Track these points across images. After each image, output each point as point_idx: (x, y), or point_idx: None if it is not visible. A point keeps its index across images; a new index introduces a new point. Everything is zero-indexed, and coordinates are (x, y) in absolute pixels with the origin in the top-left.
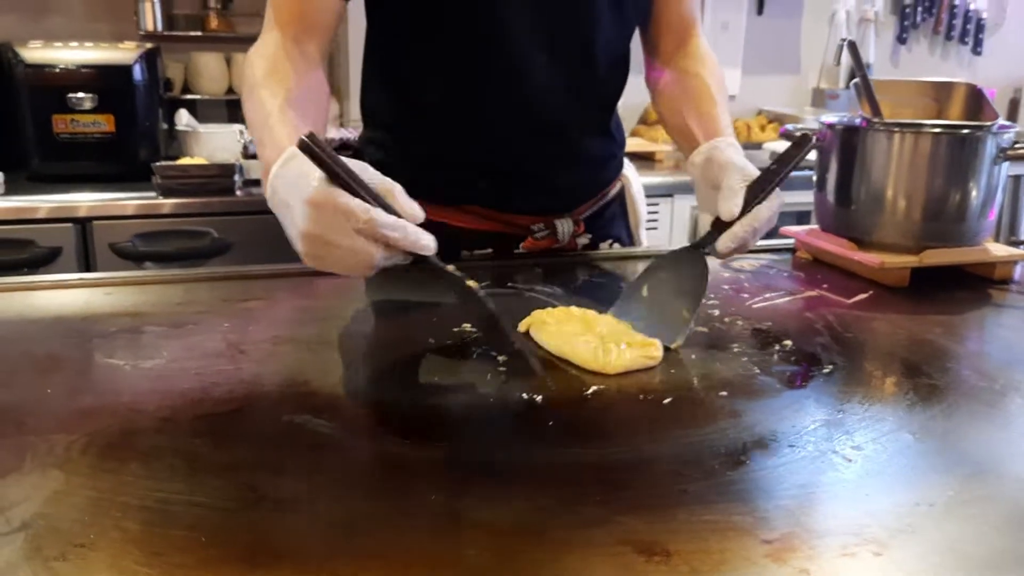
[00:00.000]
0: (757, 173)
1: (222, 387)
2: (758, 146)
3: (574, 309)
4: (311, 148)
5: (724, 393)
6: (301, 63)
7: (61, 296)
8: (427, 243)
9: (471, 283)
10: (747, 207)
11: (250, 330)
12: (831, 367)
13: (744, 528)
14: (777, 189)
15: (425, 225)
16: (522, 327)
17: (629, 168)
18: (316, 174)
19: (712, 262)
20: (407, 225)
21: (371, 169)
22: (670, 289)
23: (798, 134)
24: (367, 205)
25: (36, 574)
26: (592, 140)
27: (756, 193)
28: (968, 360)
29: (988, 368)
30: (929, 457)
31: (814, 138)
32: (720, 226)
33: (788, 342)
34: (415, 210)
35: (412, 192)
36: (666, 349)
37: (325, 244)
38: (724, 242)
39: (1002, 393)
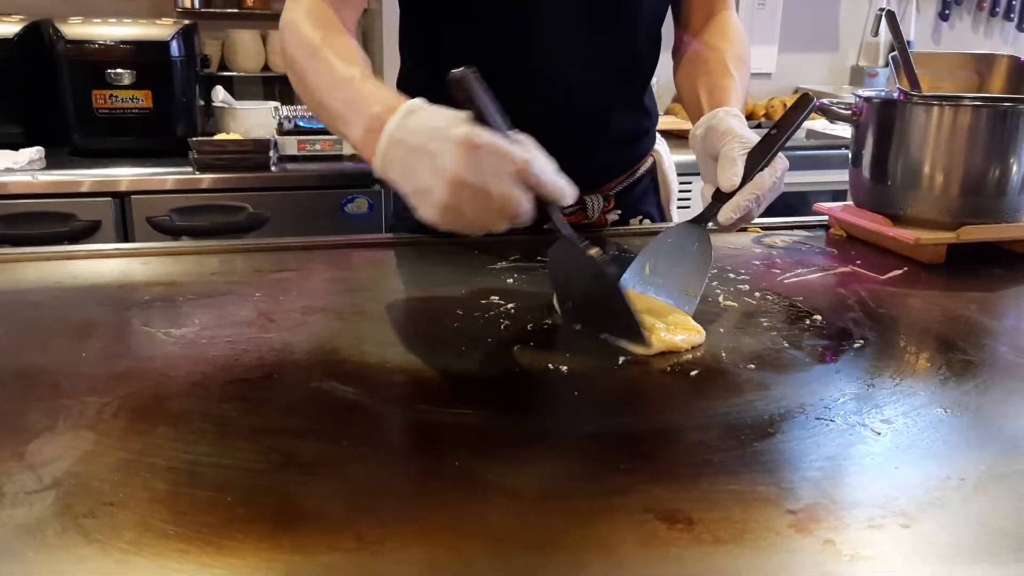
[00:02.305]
0: (755, 140)
1: (252, 354)
2: None
3: None
4: (471, 83)
5: (752, 366)
6: (345, 24)
7: (98, 265)
8: (572, 192)
9: (593, 251)
10: (748, 175)
11: (281, 300)
12: (862, 342)
13: (768, 498)
14: (780, 154)
15: None
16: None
17: (661, 143)
18: (462, 115)
19: (743, 237)
20: (554, 173)
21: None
22: (674, 266)
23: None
24: (522, 147)
25: (66, 530)
26: (626, 115)
27: (757, 161)
28: (1005, 336)
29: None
30: (961, 432)
31: (814, 99)
32: (721, 197)
33: (819, 317)
34: (550, 161)
35: None
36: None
37: (476, 191)
38: (726, 213)
39: None
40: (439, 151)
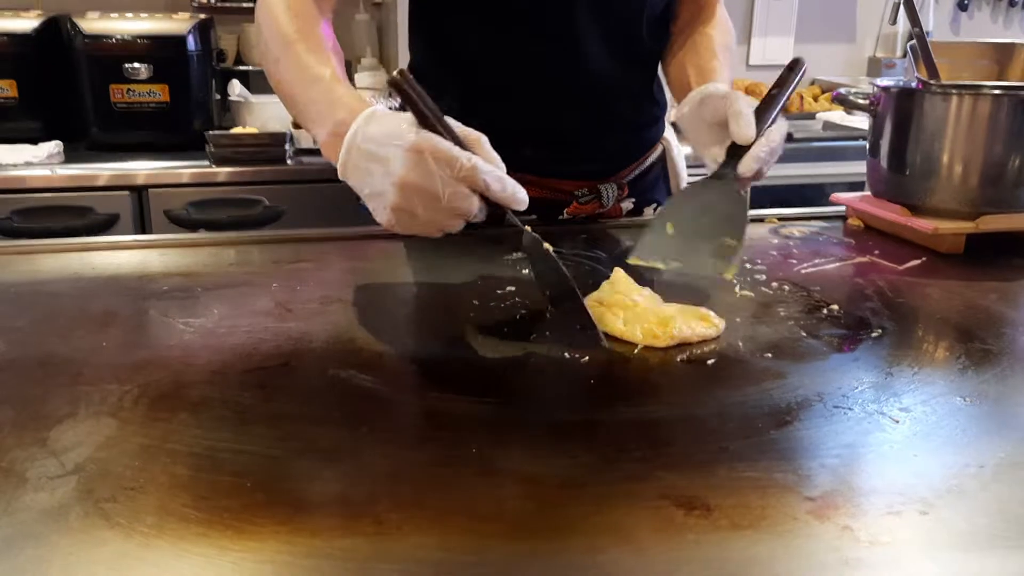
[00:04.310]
0: (756, 101)
1: (270, 343)
2: (811, 116)
3: (616, 279)
4: (404, 86)
5: (769, 355)
6: (321, 11)
7: (116, 257)
8: (523, 196)
9: (547, 246)
10: (759, 131)
11: (299, 290)
12: (880, 331)
13: (786, 485)
14: (781, 116)
15: None
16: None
17: (670, 132)
18: (411, 121)
19: (759, 228)
20: (504, 175)
21: (450, 118)
22: (704, 221)
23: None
24: (467, 152)
25: (87, 514)
26: (637, 104)
27: (763, 117)
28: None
29: None
30: (980, 420)
31: (805, 62)
32: (737, 151)
33: (836, 307)
34: (500, 163)
35: None
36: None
37: (423, 194)
38: (748, 163)
39: None
40: (389, 156)
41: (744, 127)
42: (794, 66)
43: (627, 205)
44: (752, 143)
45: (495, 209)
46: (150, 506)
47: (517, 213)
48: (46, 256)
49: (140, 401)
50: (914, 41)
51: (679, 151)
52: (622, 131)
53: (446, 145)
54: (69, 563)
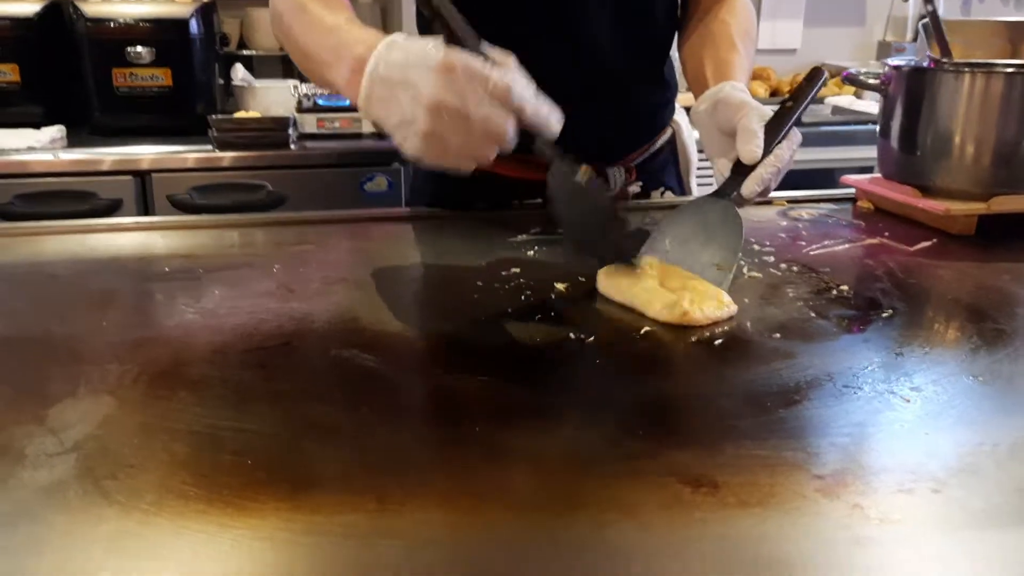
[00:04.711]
0: (770, 113)
1: (271, 323)
2: (820, 101)
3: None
4: (434, 1)
5: (778, 335)
6: None
7: (117, 239)
8: (557, 119)
9: (583, 171)
10: (767, 148)
11: (301, 271)
12: (891, 312)
13: (795, 463)
14: (794, 128)
15: (477, 175)
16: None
17: (681, 115)
18: (437, 41)
19: (768, 210)
20: (539, 99)
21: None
22: (699, 242)
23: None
24: (501, 69)
25: (87, 492)
26: (647, 88)
27: (774, 133)
28: None
29: None
30: (994, 399)
31: (825, 72)
32: (742, 170)
33: (846, 287)
34: (532, 85)
35: None
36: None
37: (455, 115)
38: (750, 186)
39: None
40: (417, 79)
41: (751, 148)
42: (813, 76)
43: (634, 189)
44: (757, 164)
45: (524, 138)
46: (149, 484)
47: (507, 200)
48: (47, 238)
49: (140, 380)
50: (927, 20)
51: (690, 135)
52: (632, 115)
53: (478, 62)
54: (67, 541)
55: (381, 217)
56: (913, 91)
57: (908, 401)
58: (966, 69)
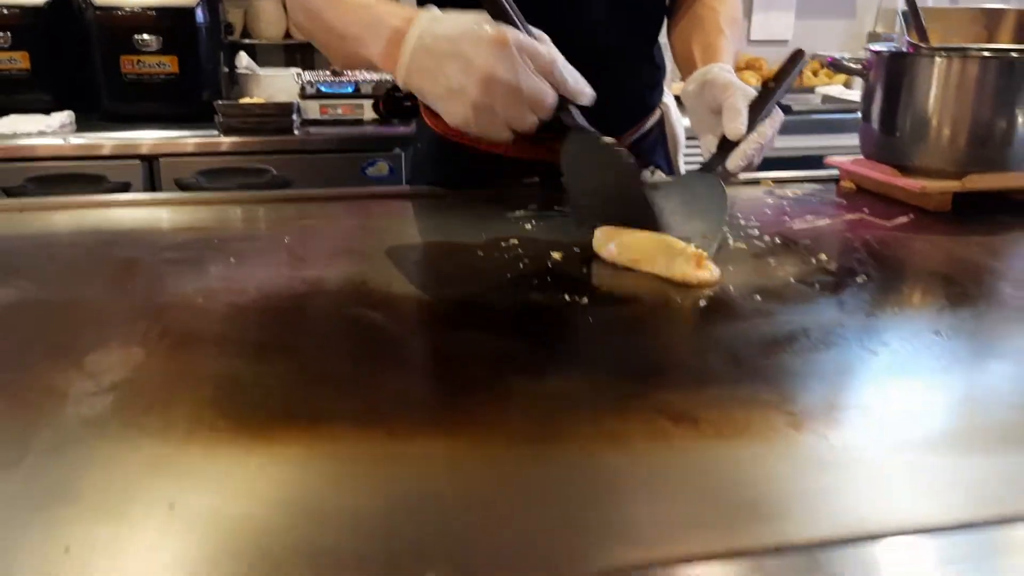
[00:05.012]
0: (755, 93)
1: (285, 287)
2: (811, 90)
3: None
4: None
5: (758, 297)
6: None
7: (132, 213)
8: (590, 91)
9: (608, 140)
10: (751, 125)
11: (310, 243)
12: (865, 278)
13: (769, 403)
14: (776, 107)
15: (477, 155)
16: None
17: (669, 97)
18: (486, 16)
19: (755, 190)
20: (574, 70)
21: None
22: (686, 212)
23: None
24: (546, 45)
25: (125, 425)
26: (638, 68)
27: (758, 111)
28: (1005, 275)
29: (1022, 280)
30: (954, 352)
31: (806, 54)
32: (727, 146)
33: (824, 256)
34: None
35: None
36: None
37: (507, 87)
38: (735, 161)
39: None
40: (469, 52)
41: (736, 125)
42: (795, 58)
43: None
44: (743, 139)
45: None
46: (180, 419)
47: (502, 179)
48: (66, 212)
49: (165, 336)
50: (906, 7)
51: (678, 117)
52: (625, 94)
53: (527, 38)
54: (109, 464)
55: (383, 195)
56: (892, 75)
57: (876, 353)
58: (942, 54)
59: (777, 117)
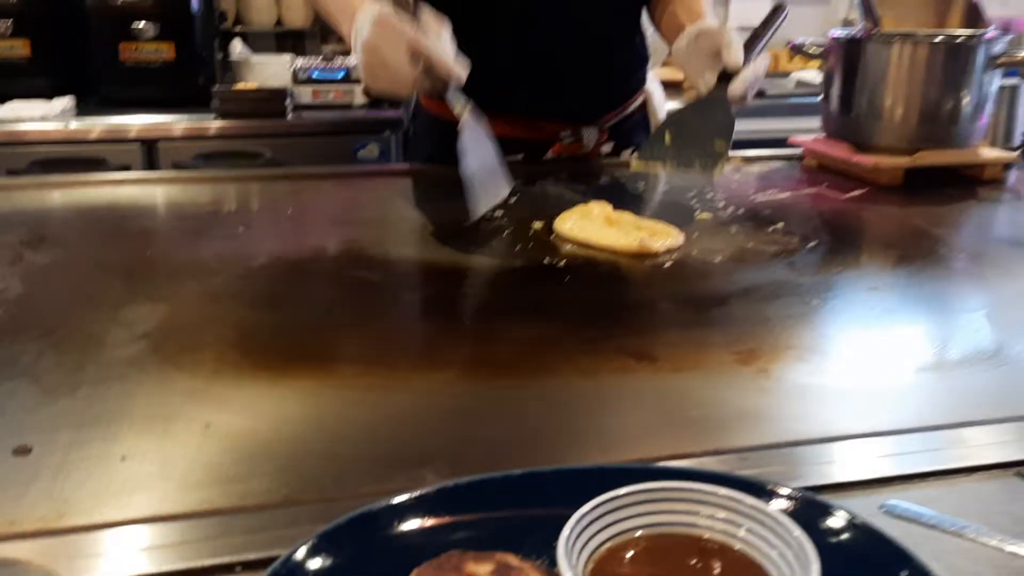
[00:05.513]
0: (744, 35)
1: (292, 250)
2: (786, 75)
3: (593, 205)
4: None
5: (718, 259)
6: None
7: (146, 189)
8: (459, 72)
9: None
10: (746, 60)
11: (311, 213)
12: (816, 243)
13: (719, 343)
14: (765, 51)
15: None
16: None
17: (654, 82)
18: (385, 6)
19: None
20: (445, 54)
21: (429, 11)
22: (698, 130)
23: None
24: (417, 29)
25: (160, 363)
26: (619, 53)
27: (749, 51)
28: (944, 240)
29: (959, 244)
30: (885, 303)
31: (787, 7)
32: (726, 77)
33: (782, 224)
34: (448, 48)
35: None
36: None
37: (378, 55)
38: (737, 86)
39: (964, 260)
40: (363, 29)
41: (735, 55)
42: (777, 10)
43: (606, 148)
44: (740, 69)
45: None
46: (209, 358)
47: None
48: (83, 188)
49: (187, 291)
50: None
51: (661, 102)
52: (606, 77)
53: (400, 21)
54: (151, 394)
55: (378, 172)
56: (849, 60)
57: (816, 303)
58: (894, 39)
59: (766, 57)
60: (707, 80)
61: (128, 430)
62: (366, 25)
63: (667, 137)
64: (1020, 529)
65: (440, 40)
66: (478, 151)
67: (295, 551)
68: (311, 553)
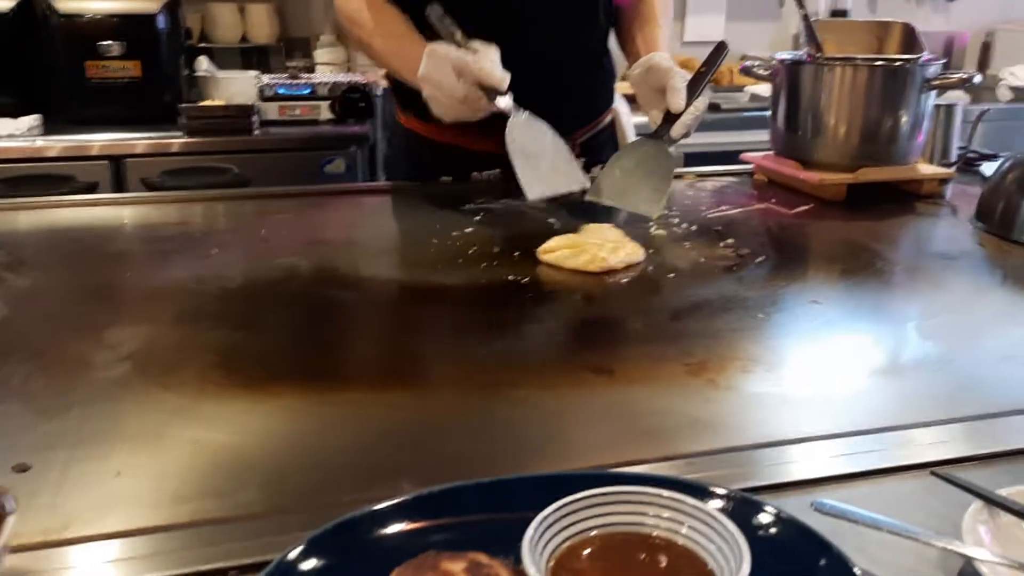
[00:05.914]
0: (688, 76)
1: (265, 272)
2: (740, 88)
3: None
4: (434, 19)
5: (672, 275)
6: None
7: (120, 211)
8: (499, 78)
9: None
10: (688, 102)
11: (284, 234)
12: (764, 258)
13: (672, 356)
14: (707, 87)
15: (441, 147)
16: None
17: (621, 102)
18: (435, 44)
19: (678, 184)
20: (486, 67)
21: (478, 41)
22: (641, 170)
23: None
24: (462, 53)
25: (146, 383)
26: (589, 75)
27: (692, 91)
28: (883, 254)
29: (895, 257)
30: (825, 315)
31: (727, 45)
32: (670, 118)
33: (732, 240)
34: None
35: (429, 117)
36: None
37: (432, 81)
38: (677, 129)
39: (900, 273)
40: (421, 67)
41: (678, 100)
42: (720, 48)
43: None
44: (682, 112)
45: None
46: (193, 377)
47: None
48: (57, 210)
49: (167, 313)
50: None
51: (628, 120)
52: (576, 96)
53: (445, 48)
54: (139, 412)
55: (350, 191)
56: (794, 81)
57: (762, 317)
58: (836, 63)
59: (707, 96)
60: (654, 118)
61: (121, 447)
62: (422, 61)
63: (617, 172)
64: (935, 523)
65: (483, 58)
66: (532, 139)
67: (287, 554)
68: (302, 556)
